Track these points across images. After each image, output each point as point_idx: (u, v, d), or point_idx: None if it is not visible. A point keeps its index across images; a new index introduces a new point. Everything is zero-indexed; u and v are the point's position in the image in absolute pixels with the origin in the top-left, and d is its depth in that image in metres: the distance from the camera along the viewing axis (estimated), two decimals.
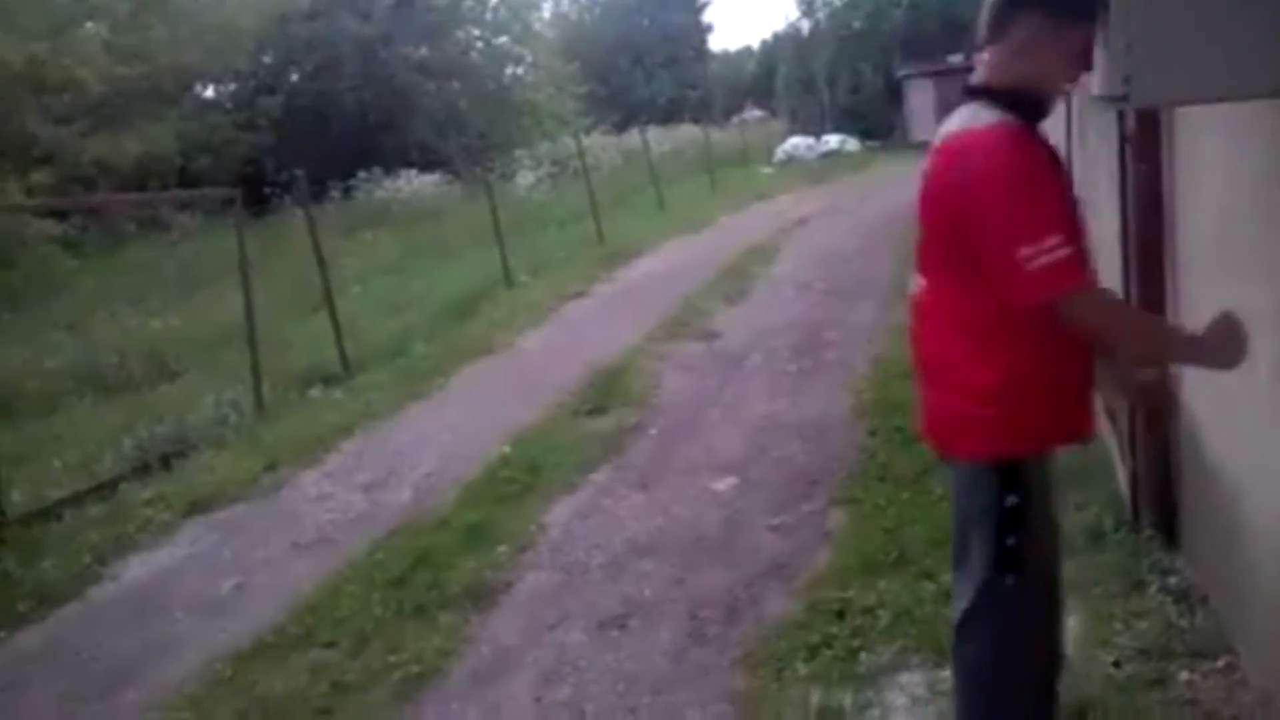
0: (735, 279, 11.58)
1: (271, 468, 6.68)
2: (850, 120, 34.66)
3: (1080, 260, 2.14)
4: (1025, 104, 2.25)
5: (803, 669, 3.52)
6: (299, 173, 10.57)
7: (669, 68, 46.39)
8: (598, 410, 7.00)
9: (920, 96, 32.84)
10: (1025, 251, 2.08)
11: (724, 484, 5.46)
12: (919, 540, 4.27)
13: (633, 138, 25.53)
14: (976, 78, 2.33)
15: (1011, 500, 2.29)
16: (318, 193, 17.63)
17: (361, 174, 22.56)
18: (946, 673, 3.29)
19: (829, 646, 3.61)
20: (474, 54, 30.59)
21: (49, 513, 6.20)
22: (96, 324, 12.23)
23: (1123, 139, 3.89)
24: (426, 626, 4.27)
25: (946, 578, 3.86)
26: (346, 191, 22.07)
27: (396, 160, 23.96)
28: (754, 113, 42.67)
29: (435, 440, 6.88)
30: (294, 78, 27.56)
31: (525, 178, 23.33)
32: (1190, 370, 3.41)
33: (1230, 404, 3.01)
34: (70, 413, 9.06)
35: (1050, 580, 2.51)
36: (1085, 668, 3.17)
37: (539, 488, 5.71)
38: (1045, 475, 2.40)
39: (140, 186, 20.57)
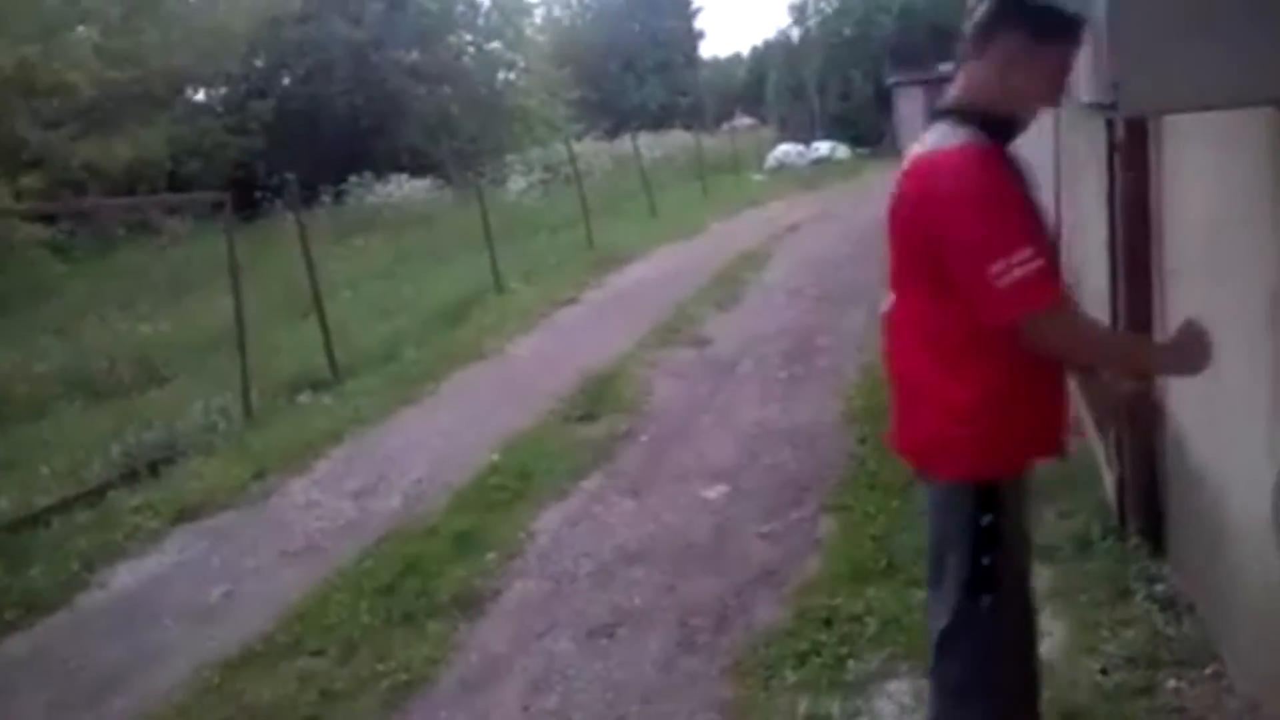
0: (727, 285, 11.59)
1: (260, 475, 6.66)
2: (840, 127, 34.69)
3: (1050, 274, 2.14)
4: (997, 124, 2.26)
5: (791, 677, 3.52)
6: (290, 177, 10.55)
7: (660, 74, 46.41)
8: (588, 417, 7.00)
9: (910, 104, 32.85)
10: (996, 267, 2.08)
11: (714, 491, 5.47)
12: (907, 548, 4.26)
13: (624, 144, 25.53)
14: (949, 97, 2.34)
15: (987, 519, 2.28)
16: (308, 197, 17.61)
17: (352, 178, 22.55)
18: None
19: (817, 654, 3.62)
20: (466, 59, 30.60)
21: (37, 520, 6.17)
22: (86, 329, 12.19)
23: (1111, 147, 3.91)
24: (415, 634, 4.26)
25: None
26: (337, 196, 22.04)
27: (388, 165, 23.94)
28: (745, 119, 42.74)
29: (425, 447, 6.87)
30: (285, 81, 27.53)
31: (516, 183, 23.34)
32: (1175, 378, 3.43)
33: (1215, 411, 3.03)
34: (59, 418, 9.02)
35: (1025, 597, 2.51)
36: (1072, 675, 3.18)
37: (529, 495, 5.71)
38: (1021, 493, 2.40)
39: (130, 190, 20.52)
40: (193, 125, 24.55)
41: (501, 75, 31.75)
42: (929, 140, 2.28)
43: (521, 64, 32.40)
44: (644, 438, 6.51)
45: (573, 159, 19.36)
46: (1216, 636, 3.18)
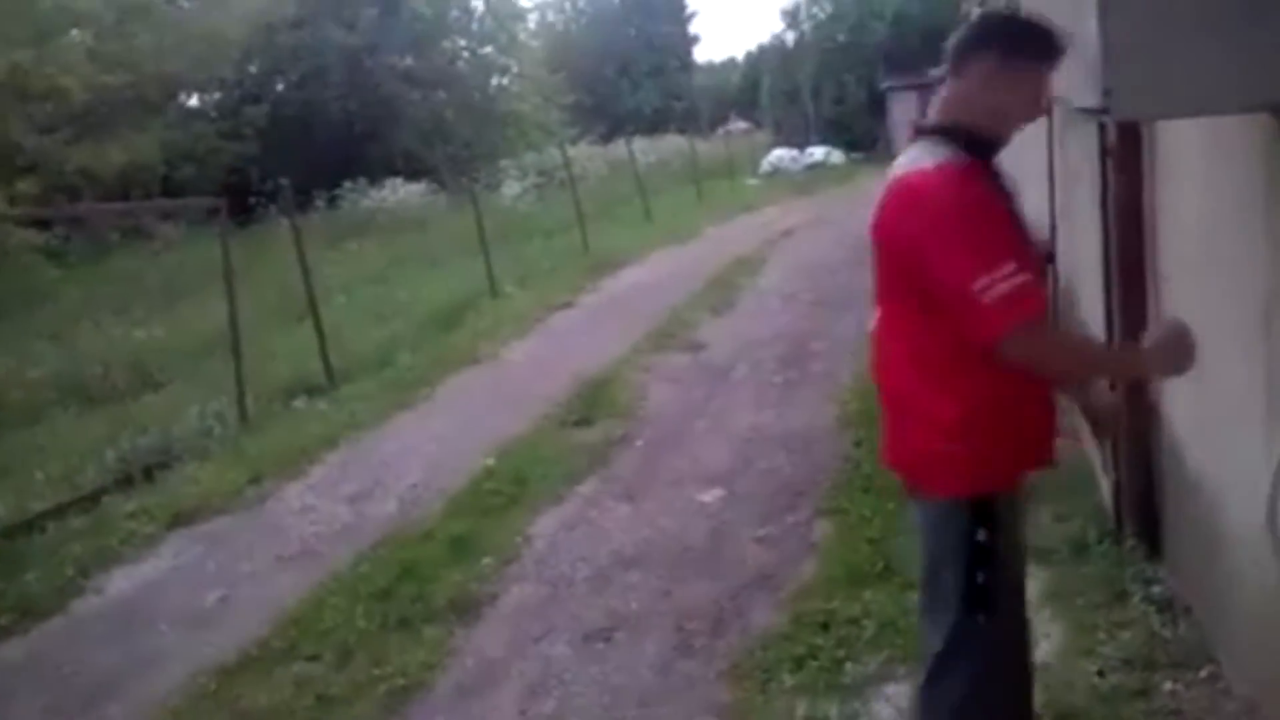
0: (721, 290, 11.61)
1: (256, 480, 6.65)
2: (835, 132, 34.76)
3: (1034, 287, 2.14)
4: (977, 141, 2.27)
5: (788, 680, 3.53)
6: (284, 182, 10.55)
7: (655, 78, 46.48)
8: (584, 421, 7.00)
9: (904, 108, 32.92)
10: (980, 283, 2.09)
11: (710, 495, 5.47)
12: (904, 551, 4.26)
13: (619, 148, 25.55)
14: (930, 118, 2.35)
15: (982, 535, 2.27)
16: (303, 202, 17.59)
17: (347, 183, 22.54)
18: None
19: (814, 658, 3.62)
20: (460, 64, 30.62)
21: (31, 525, 6.16)
22: (80, 334, 12.17)
23: (1103, 151, 3.93)
24: (411, 639, 4.26)
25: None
26: (332, 201, 22.03)
27: (382, 170, 23.93)
28: (739, 124, 42.75)
29: (420, 451, 6.86)
30: (279, 87, 27.53)
31: (511, 188, 23.34)
32: (1170, 382, 3.44)
33: (1210, 415, 3.04)
34: (53, 423, 9.00)
35: (1021, 611, 2.51)
36: (1069, 678, 3.19)
37: (524, 499, 5.71)
38: (1015, 505, 2.40)
39: (124, 196, 20.50)
40: (186, 130, 24.55)
41: (495, 80, 31.79)
42: (909, 159, 2.29)
43: (515, 69, 32.45)
44: (639, 442, 6.52)
45: (567, 164, 19.38)
46: (1213, 639, 3.19)
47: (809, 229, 16.64)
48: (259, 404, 8.41)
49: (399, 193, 22.52)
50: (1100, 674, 3.19)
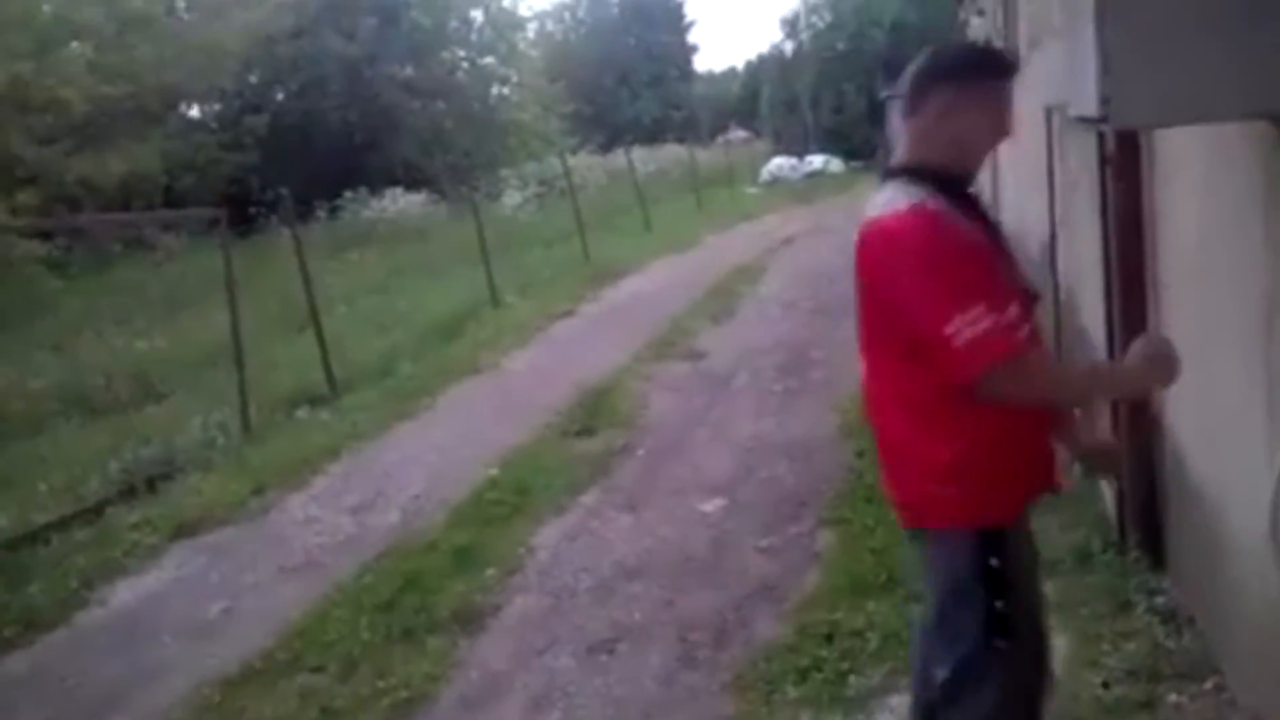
0: (722, 299, 11.62)
1: (259, 490, 6.66)
2: (834, 141, 34.84)
3: (1006, 328, 2.12)
4: (945, 178, 2.27)
5: (792, 692, 3.53)
6: (284, 192, 10.58)
7: (654, 88, 46.55)
8: (585, 431, 7.01)
9: (902, 117, 33.01)
10: (951, 327, 2.09)
11: (712, 505, 5.47)
12: (908, 562, 4.26)
13: (618, 158, 25.59)
14: (897, 157, 2.35)
15: (995, 562, 2.26)
16: (303, 212, 17.61)
17: (347, 193, 22.55)
18: None
19: (818, 669, 3.62)
20: (459, 74, 30.64)
21: (35, 537, 6.16)
22: (82, 345, 12.17)
23: (1102, 160, 3.94)
24: (415, 651, 4.27)
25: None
26: (332, 211, 22.05)
27: (382, 180, 23.95)
28: (738, 133, 42.90)
29: (422, 462, 6.87)
30: (279, 97, 27.56)
31: (511, 197, 23.37)
32: (1172, 391, 3.44)
33: (1212, 424, 3.04)
34: (56, 435, 9.01)
35: (1041, 629, 2.50)
36: (1074, 689, 3.19)
37: (527, 510, 5.71)
38: (1023, 527, 2.40)
39: (125, 206, 20.52)
40: (187, 141, 24.56)
41: (495, 90, 31.82)
42: (880, 202, 2.28)
43: (515, 79, 32.48)
44: (640, 452, 6.52)
45: (567, 173, 19.41)
46: (1217, 650, 3.19)
47: (809, 237, 16.66)
48: (261, 414, 8.41)
49: (399, 202, 22.54)
50: (1105, 685, 3.19)
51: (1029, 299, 2.35)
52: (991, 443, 2.25)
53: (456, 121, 28.60)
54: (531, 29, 39.24)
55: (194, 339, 11.75)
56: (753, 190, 27.85)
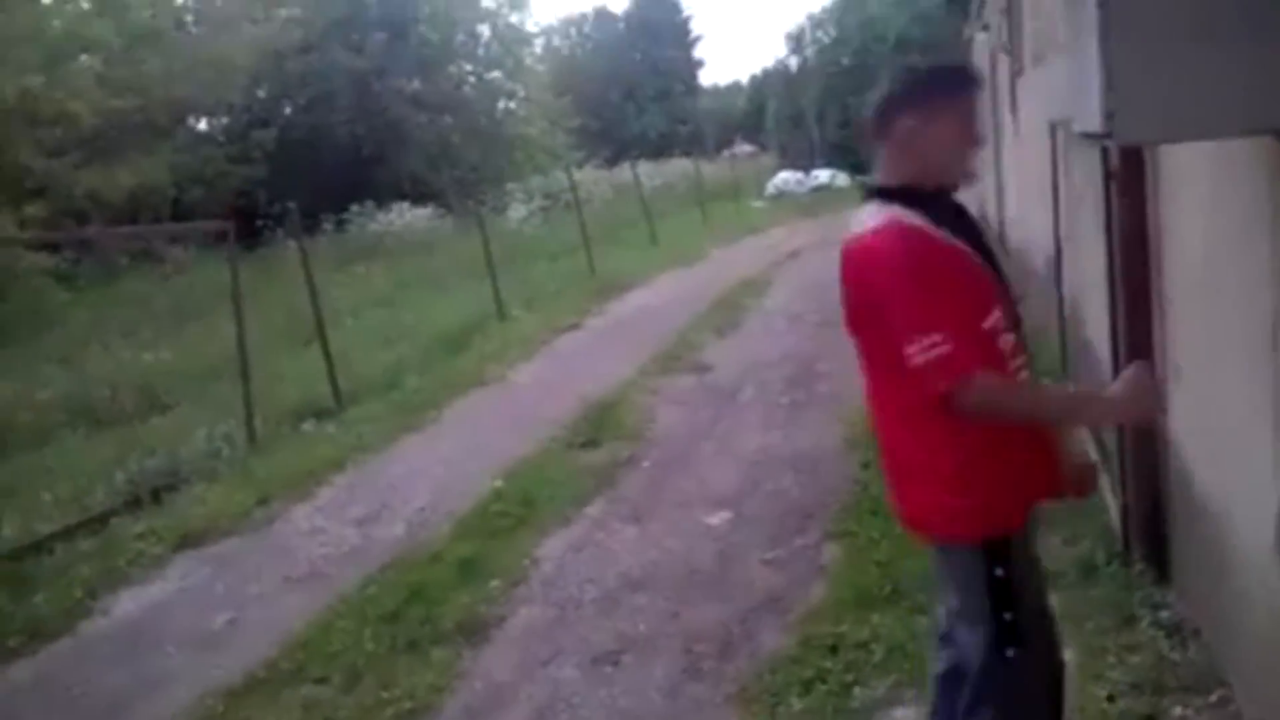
0: (727, 312, 11.63)
1: (264, 501, 6.67)
2: (839, 155, 34.87)
3: (960, 354, 2.14)
4: (923, 195, 2.30)
5: (797, 704, 3.52)
6: (292, 205, 10.62)
7: (660, 102, 46.72)
8: (590, 443, 7.01)
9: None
10: (910, 349, 2.15)
11: (717, 517, 5.47)
12: (912, 574, 4.27)
13: (624, 172, 25.66)
14: (876, 178, 2.39)
15: (1000, 572, 2.29)
16: (310, 225, 17.68)
17: (354, 207, 22.65)
18: None
19: (823, 681, 3.62)
20: (466, 88, 30.80)
21: (40, 546, 6.18)
22: (89, 356, 12.22)
23: (1107, 175, 3.94)
24: (419, 662, 4.26)
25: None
26: (339, 224, 22.14)
27: (389, 193, 24.06)
28: (744, 147, 42.96)
29: (428, 474, 6.87)
30: (287, 111, 27.70)
31: (517, 211, 23.46)
32: (1178, 405, 3.45)
33: (1217, 437, 3.04)
34: (62, 445, 9.03)
35: (1050, 635, 2.51)
36: (1079, 702, 3.17)
37: (532, 521, 5.71)
38: (1028, 538, 2.41)
39: (133, 219, 20.61)
40: (195, 154, 24.67)
41: (502, 104, 31.97)
42: (858, 222, 2.32)
43: (522, 93, 32.63)
44: (646, 464, 6.52)
45: (573, 187, 19.47)
46: (1222, 663, 3.18)
47: (814, 250, 16.64)
48: (267, 426, 8.43)
49: (406, 216, 22.63)
50: (1110, 698, 3.18)
51: (1015, 307, 2.38)
52: (991, 451, 2.27)
53: (463, 135, 28.73)
54: (538, 44, 39.46)
55: (200, 351, 11.79)
56: (758, 204, 27.90)
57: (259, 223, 20.95)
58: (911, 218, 2.24)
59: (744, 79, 56.63)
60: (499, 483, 6.38)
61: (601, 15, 50.57)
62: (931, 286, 2.18)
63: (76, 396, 10.32)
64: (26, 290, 16.68)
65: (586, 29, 50.43)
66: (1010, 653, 2.31)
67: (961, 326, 2.17)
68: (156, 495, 6.94)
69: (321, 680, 4.24)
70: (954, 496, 2.31)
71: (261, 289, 13.24)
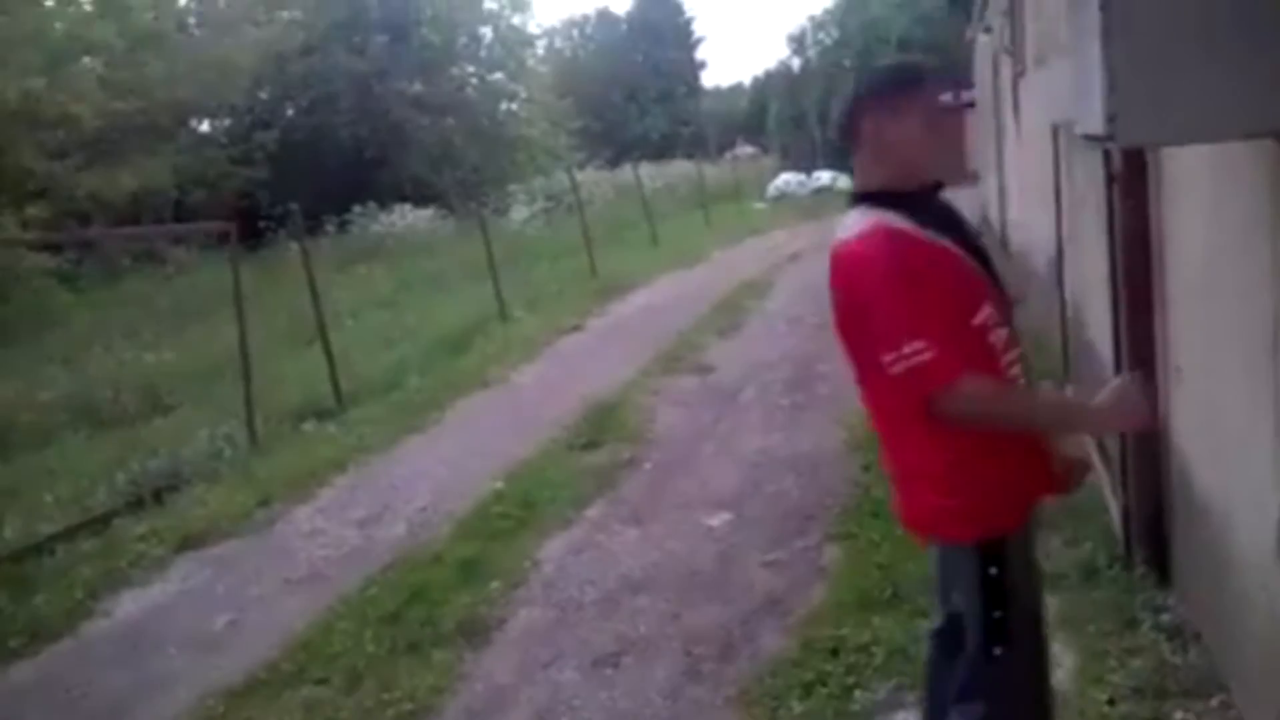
0: (729, 313, 11.63)
1: (265, 503, 6.66)
2: (842, 157, 34.23)
3: (943, 361, 2.13)
4: (905, 197, 2.30)
5: (797, 707, 3.52)
6: (294, 207, 10.62)
7: (662, 104, 46.72)
8: (592, 445, 7.01)
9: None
10: (888, 357, 2.15)
11: (718, 519, 5.47)
12: (913, 577, 4.26)
13: (626, 173, 25.68)
14: (855, 185, 2.42)
15: (993, 571, 2.29)
16: (312, 227, 17.70)
17: (356, 208, 22.68)
18: None
19: (824, 684, 3.61)
20: (468, 90, 30.83)
21: (41, 548, 6.17)
22: (91, 357, 12.25)
23: (1109, 177, 3.94)
24: (420, 664, 4.26)
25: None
26: (341, 225, 22.16)
27: (391, 195, 24.08)
28: (746, 149, 42.96)
29: (429, 475, 6.87)
30: (289, 112, 27.74)
31: (519, 212, 23.48)
32: (1179, 408, 3.44)
33: (1219, 440, 3.04)
34: (63, 446, 9.04)
35: (1038, 640, 2.51)
36: (1080, 706, 3.18)
37: (533, 523, 5.71)
38: (1025, 539, 2.41)
39: (135, 220, 20.64)
40: (197, 156, 24.71)
41: (504, 106, 31.99)
42: (844, 228, 2.33)
43: (524, 95, 32.64)
44: (647, 466, 6.52)
45: (575, 188, 19.46)
46: (1224, 666, 3.18)
47: (816, 253, 16.57)
48: (268, 427, 8.43)
49: (408, 217, 22.65)
50: (1110, 702, 3.17)
51: (1006, 302, 2.38)
52: (982, 452, 2.27)
53: (465, 137, 28.74)
54: (540, 45, 39.47)
55: (202, 352, 11.80)
56: (760, 206, 27.89)
57: (261, 224, 20.98)
58: (895, 220, 2.24)
59: (746, 80, 56.81)
60: (500, 484, 6.37)
61: (604, 17, 50.63)
62: (916, 290, 2.17)
63: (78, 397, 10.33)
64: (29, 291, 16.71)
65: (589, 30, 50.46)
66: (997, 651, 2.32)
67: (948, 330, 2.17)
68: (158, 496, 6.94)
69: (322, 681, 4.24)
70: (946, 497, 2.31)
71: (263, 290, 13.25)
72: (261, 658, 4.50)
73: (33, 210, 17.87)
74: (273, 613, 5.05)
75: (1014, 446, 2.32)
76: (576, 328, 11.85)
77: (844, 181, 31.06)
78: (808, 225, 21.38)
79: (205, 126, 27.70)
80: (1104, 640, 3.52)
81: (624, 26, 49.12)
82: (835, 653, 3.81)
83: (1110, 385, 2.31)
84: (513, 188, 26.84)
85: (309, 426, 8.59)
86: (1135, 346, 3.74)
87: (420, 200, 24.27)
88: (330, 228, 21.57)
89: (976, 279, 2.32)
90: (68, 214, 19.19)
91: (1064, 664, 3.40)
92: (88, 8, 22.00)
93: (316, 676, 4.28)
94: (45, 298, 16.72)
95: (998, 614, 2.30)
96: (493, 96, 31.46)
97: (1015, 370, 2.35)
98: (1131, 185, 3.70)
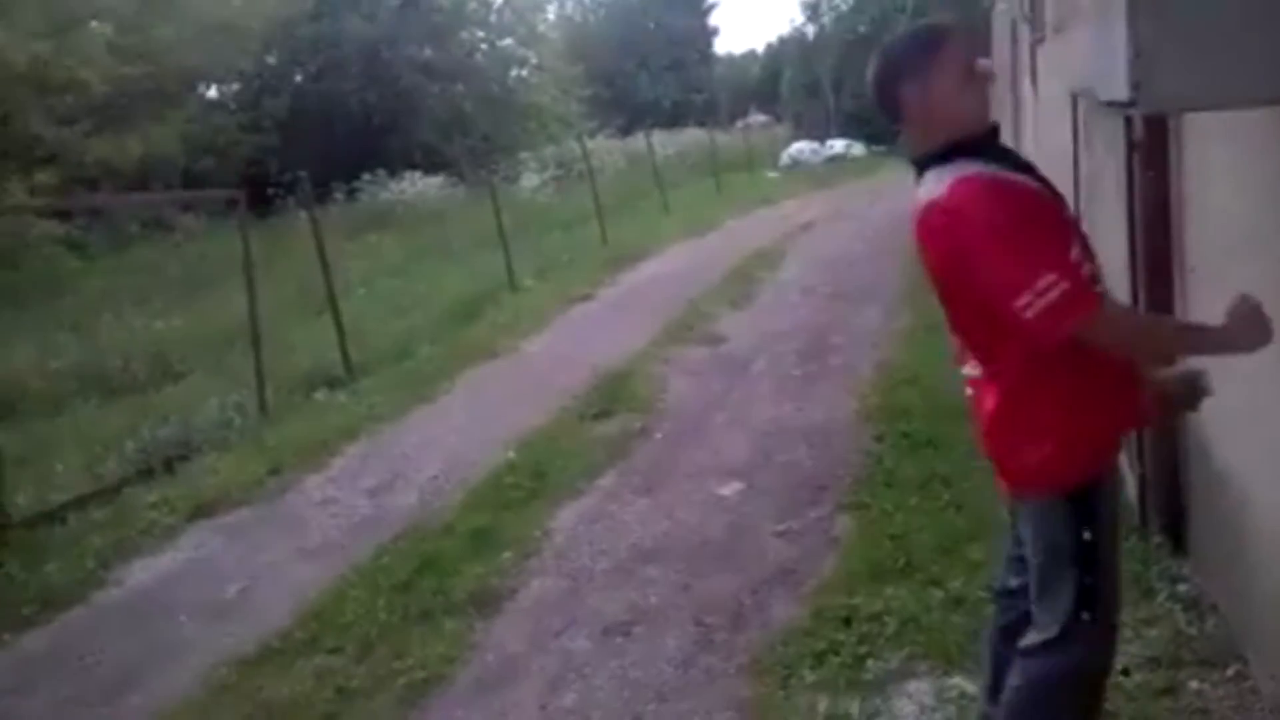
0: (741, 283, 11.57)
1: (276, 471, 6.67)
2: (855, 125, 34.51)
3: (1079, 290, 2.12)
4: (973, 148, 2.28)
5: (809, 676, 3.51)
6: (303, 174, 10.57)
7: (674, 71, 46.33)
8: (603, 414, 6.99)
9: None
10: (1021, 301, 2.11)
11: (730, 489, 5.45)
12: (926, 547, 4.26)
13: (637, 141, 25.54)
14: (913, 150, 2.39)
15: (1088, 535, 2.29)
16: (322, 194, 17.63)
17: (366, 176, 22.57)
18: (954, 680, 3.30)
19: (836, 654, 3.60)
20: (478, 56, 30.61)
21: (52, 516, 6.19)
22: (101, 325, 12.24)
23: (1130, 146, 3.88)
24: (432, 632, 4.27)
25: (954, 584, 3.89)
26: (350, 193, 22.08)
27: (401, 162, 23.96)
28: (759, 117, 42.63)
29: (440, 444, 6.87)
30: (298, 79, 27.58)
31: (529, 180, 23.37)
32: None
33: (1238, 411, 3.00)
34: (74, 414, 9.06)
35: (1118, 608, 2.50)
36: None
37: (544, 493, 5.70)
38: (1115, 504, 2.43)
39: (144, 187, 20.58)
40: (206, 122, 24.62)
41: (514, 72, 31.74)
42: (926, 191, 2.30)
43: (534, 61, 32.39)
44: (659, 435, 6.50)
45: (586, 156, 19.37)
46: (1240, 637, 3.16)
47: (828, 222, 16.58)
48: (279, 396, 8.44)
49: (418, 185, 22.54)
50: (1125, 672, 3.15)
51: (1085, 236, 2.37)
52: (1087, 387, 2.28)
53: (475, 104, 28.56)
54: (551, 11, 39.23)
55: (212, 320, 11.80)
56: (772, 174, 27.72)
57: (270, 191, 20.90)
58: (981, 168, 2.23)
59: (759, 47, 56.29)
60: (511, 453, 6.36)
61: None
62: (1030, 227, 2.17)
63: (89, 365, 10.34)
64: (38, 258, 16.72)
65: None
66: (1085, 616, 2.33)
67: (1068, 261, 2.15)
68: (169, 465, 6.95)
69: (334, 650, 4.25)
70: (1045, 443, 2.30)
71: (273, 258, 13.20)
72: (274, 626, 4.51)
73: (41, 177, 17.83)
74: (284, 581, 5.06)
75: (1111, 379, 2.32)
76: (587, 297, 11.81)
77: (858, 149, 30.97)
78: (821, 194, 21.31)
79: (213, 93, 27.60)
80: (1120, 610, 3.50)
81: None
82: (848, 622, 3.80)
83: (1232, 307, 2.25)
84: (523, 155, 26.72)
85: (320, 395, 8.60)
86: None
87: (430, 168, 24.15)
88: (339, 195, 21.48)
89: (1063, 216, 2.33)
90: (76, 181, 19.14)
91: None
92: None
93: (329, 645, 4.29)
94: (55, 265, 16.73)
95: (1088, 580, 2.31)
96: (503, 63, 31.23)
97: None
98: (1152, 153, 3.64)
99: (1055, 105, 6.33)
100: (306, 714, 3.82)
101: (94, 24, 20.98)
